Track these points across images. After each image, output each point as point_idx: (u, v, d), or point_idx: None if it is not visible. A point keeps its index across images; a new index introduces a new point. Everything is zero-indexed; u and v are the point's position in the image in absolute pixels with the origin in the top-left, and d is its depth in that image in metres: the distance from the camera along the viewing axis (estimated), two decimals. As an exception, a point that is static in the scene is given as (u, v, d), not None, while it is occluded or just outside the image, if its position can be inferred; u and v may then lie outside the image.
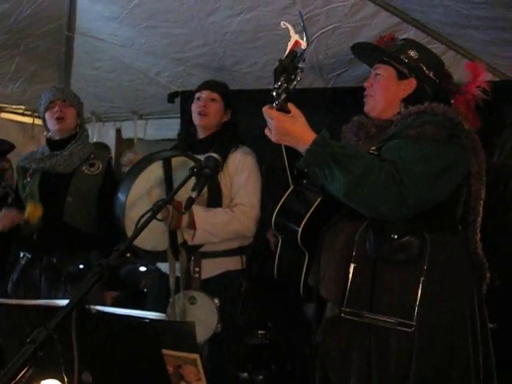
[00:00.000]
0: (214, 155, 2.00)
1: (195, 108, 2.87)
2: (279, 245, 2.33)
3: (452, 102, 2.22)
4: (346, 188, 1.91)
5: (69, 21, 4.04)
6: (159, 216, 1.64)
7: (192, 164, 2.43)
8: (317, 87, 4.23)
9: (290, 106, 1.95)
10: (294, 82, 1.91)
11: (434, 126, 2.03)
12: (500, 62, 3.64)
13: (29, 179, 3.07)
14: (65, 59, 4.50)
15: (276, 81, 1.91)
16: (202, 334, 2.57)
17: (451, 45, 3.59)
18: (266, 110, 1.96)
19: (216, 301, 2.61)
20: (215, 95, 2.88)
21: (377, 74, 2.28)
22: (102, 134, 5.48)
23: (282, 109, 1.94)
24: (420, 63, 2.23)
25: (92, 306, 1.45)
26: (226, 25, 3.70)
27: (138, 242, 2.53)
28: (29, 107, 5.19)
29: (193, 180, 1.94)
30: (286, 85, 1.90)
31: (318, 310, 2.25)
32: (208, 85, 2.94)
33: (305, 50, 1.90)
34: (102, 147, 4.81)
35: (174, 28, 3.84)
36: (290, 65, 1.89)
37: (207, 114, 2.83)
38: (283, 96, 1.92)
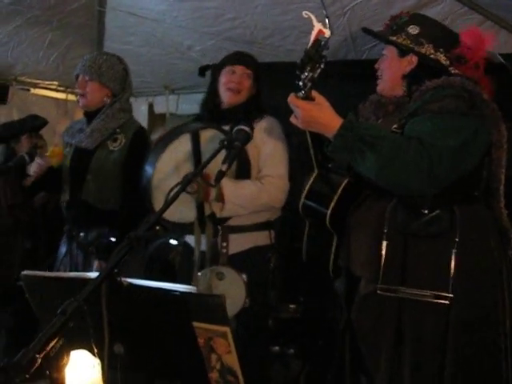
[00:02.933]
0: (245, 127, 1.98)
1: (226, 82, 2.81)
2: (306, 228, 2.34)
3: (463, 69, 2.20)
4: (377, 168, 1.94)
5: (100, -5, 4.05)
6: (188, 189, 1.63)
7: (221, 136, 2.41)
8: (351, 59, 4.18)
9: (314, 93, 1.99)
10: (319, 71, 1.93)
11: (454, 99, 2.04)
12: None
13: (67, 150, 3.10)
14: (97, 34, 4.50)
15: (302, 71, 1.93)
16: (230, 309, 2.53)
17: (488, 15, 3.49)
18: (291, 99, 1.99)
19: (244, 276, 2.59)
20: (249, 72, 2.83)
21: (383, 55, 2.33)
22: (134, 109, 5.40)
23: (307, 97, 1.98)
24: (421, 38, 2.21)
25: (123, 279, 1.47)
26: (257, -3, 3.67)
27: (164, 214, 2.54)
28: (62, 83, 5.22)
29: (221, 153, 1.94)
30: (311, 74, 1.93)
31: (349, 288, 2.27)
32: (243, 59, 2.87)
33: (328, 38, 1.92)
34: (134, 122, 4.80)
35: (205, 1, 3.81)
36: (315, 54, 1.91)
37: (240, 90, 2.79)
38: (309, 85, 1.95)
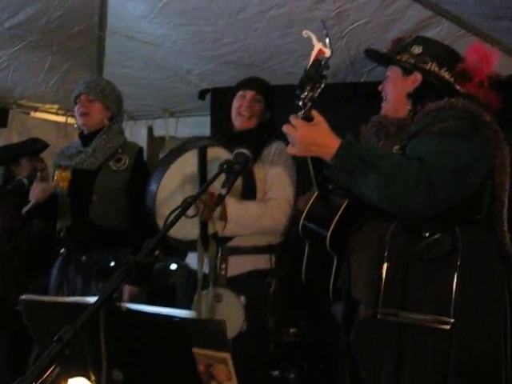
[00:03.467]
0: (245, 151, 1.98)
1: (238, 107, 2.81)
2: (306, 250, 2.32)
3: (468, 86, 2.19)
4: (377, 188, 1.91)
5: (100, 20, 4.08)
6: (189, 212, 1.62)
7: (228, 155, 2.40)
8: (349, 81, 4.20)
9: (314, 113, 1.97)
10: (319, 90, 1.93)
11: (457, 120, 2.02)
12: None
13: (62, 174, 3.06)
14: (96, 58, 4.54)
15: (302, 90, 1.93)
16: (228, 332, 2.54)
17: (486, 37, 3.52)
18: (292, 119, 1.97)
19: (242, 299, 2.57)
20: (259, 97, 2.82)
21: (386, 77, 2.32)
22: (133, 132, 5.51)
23: (307, 117, 1.96)
24: (424, 56, 2.22)
25: (123, 304, 1.45)
26: (256, 21, 3.70)
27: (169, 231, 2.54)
28: (62, 106, 5.24)
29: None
30: (311, 93, 1.92)
31: (348, 311, 2.25)
32: (254, 84, 2.87)
33: (329, 58, 1.91)
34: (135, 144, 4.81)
35: (204, 26, 3.85)
36: (315, 74, 1.90)
37: (251, 115, 2.79)
38: (309, 105, 1.94)
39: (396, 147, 2.10)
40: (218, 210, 2.50)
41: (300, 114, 1.95)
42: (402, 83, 2.25)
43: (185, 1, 3.66)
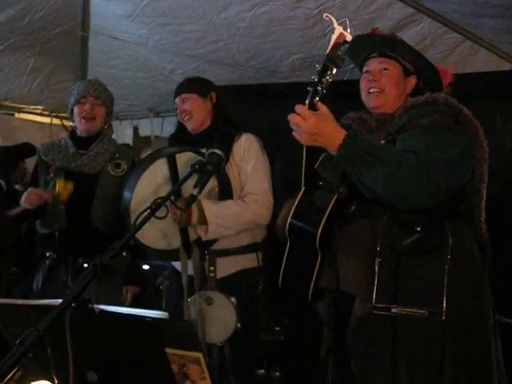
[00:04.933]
0: (217, 151, 1.97)
1: (179, 112, 2.83)
2: (286, 252, 2.27)
3: None
4: (384, 180, 1.93)
5: (83, 20, 4.07)
6: (159, 214, 1.61)
7: (198, 158, 2.40)
8: (332, 80, 4.19)
9: (319, 103, 1.95)
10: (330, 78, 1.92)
11: (440, 115, 2.07)
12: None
13: (52, 175, 2.96)
14: (80, 58, 4.51)
15: (323, 76, 1.90)
16: (222, 333, 2.55)
17: (468, 34, 3.53)
18: (300, 109, 1.93)
19: (233, 299, 2.57)
20: (187, 95, 2.81)
21: (385, 69, 2.28)
22: (119, 132, 5.48)
23: (312, 106, 1.93)
24: (418, 60, 2.28)
25: (95, 306, 1.45)
26: (238, 20, 3.70)
27: (150, 243, 2.54)
28: (46, 107, 5.20)
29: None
30: (327, 79, 1.91)
31: (336, 310, 2.25)
32: (179, 89, 2.87)
33: (350, 41, 1.89)
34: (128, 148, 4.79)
35: (187, 25, 3.84)
36: (338, 57, 1.88)
37: (190, 117, 2.79)
38: (324, 91, 1.92)
39: (382, 142, 2.11)
40: (196, 214, 2.50)
41: (307, 102, 1.93)
42: (403, 83, 2.28)
43: (167, 0, 3.65)
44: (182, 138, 2.86)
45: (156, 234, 2.52)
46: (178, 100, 2.84)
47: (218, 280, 2.66)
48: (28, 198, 2.79)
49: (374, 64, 2.29)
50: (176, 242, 2.59)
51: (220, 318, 2.55)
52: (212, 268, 2.66)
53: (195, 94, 2.80)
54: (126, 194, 2.53)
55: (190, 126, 2.81)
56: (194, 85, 2.85)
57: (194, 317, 2.55)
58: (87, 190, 2.89)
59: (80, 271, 2.82)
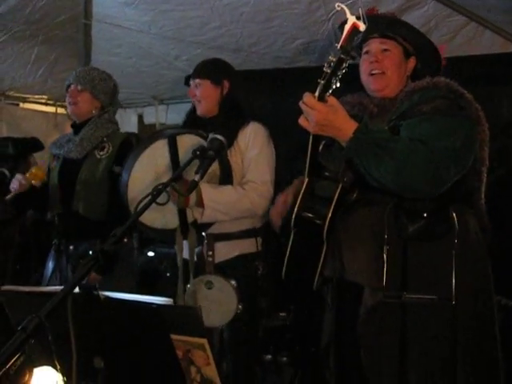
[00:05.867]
0: (219, 137, 1.96)
1: (192, 97, 2.83)
2: (290, 244, 2.24)
3: None
4: (393, 173, 1.93)
5: (85, 8, 4.05)
6: (161, 199, 1.61)
7: (200, 141, 2.38)
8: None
9: (329, 96, 1.92)
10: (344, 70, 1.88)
11: (443, 100, 2.06)
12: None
13: (55, 163, 3.07)
14: (84, 47, 4.50)
15: (338, 69, 1.85)
16: (223, 317, 2.55)
17: (472, 16, 3.50)
18: (308, 100, 1.91)
19: (233, 282, 2.57)
20: (200, 81, 2.79)
21: (386, 50, 2.24)
22: (124, 120, 5.47)
23: (321, 98, 1.90)
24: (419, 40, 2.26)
25: (101, 292, 1.45)
26: (241, 5, 3.68)
27: (147, 221, 2.53)
28: (51, 96, 5.20)
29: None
30: (341, 72, 1.86)
31: (340, 298, 2.25)
32: (194, 72, 2.85)
33: (363, 31, 1.82)
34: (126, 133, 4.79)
35: (190, 11, 3.82)
36: (353, 49, 1.83)
37: (200, 101, 2.77)
38: (337, 85, 1.88)
39: (385, 128, 2.09)
40: (194, 196, 2.49)
41: (317, 94, 1.90)
42: (404, 65, 2.26)
43: (169, -14, 3.64)
44: (194, 121, 2.85)
45: (153, 213, 2.45)
46: (191, 82, 2.84)
47: (216, 264, 2.66)
48: (13, 184, 2.93)
49: (374, 45, 2.25)
50: (173, 223, 2.59)
51: (221, 302, 2.56)
52: (210, 252, 2.66)
53: (208, 81, 2.78)
54: (124, 175, 2.52)
55: (198, 111, 2.81)
56: (209, 70, 2.82)
57: (189, 300, 2.56)
58: (73, 175, 2.95)
59: (71, 258, 2.91)
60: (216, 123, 2.69)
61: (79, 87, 3.02)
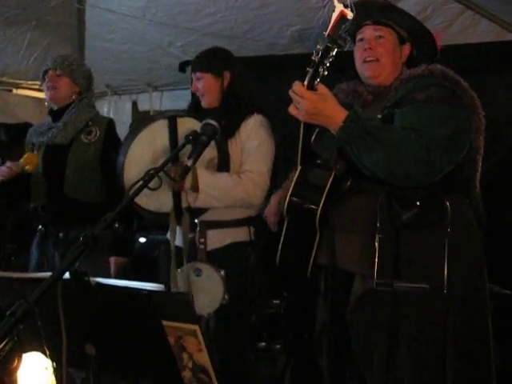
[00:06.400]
0: (212, 122, 1.94)
1: (194, 91, 2.79)
2: (284, 227, 2.24)
3: None
4: (383, 162, 1.93)
5: (78, -7, 4.02)
6: (153, 184, 1.60)
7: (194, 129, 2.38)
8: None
9: (318, 84, 1.91)
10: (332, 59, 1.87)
11: (438, 87, 2.04)
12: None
13: (35, 152, 3.05)
14: (77, 32, 4.47)
15: (324, 57, 1.85)
16: (209, 305, 2.54)
17: (469, 4, 3.48)
18: (298, 88, 1.91)
19: (222, 272, 2.56)
20: (201, 74, 2.75)
21: (380, 37, 2.21)
22: (118, 107, 5.46)
23: (311, 86, 1.90)
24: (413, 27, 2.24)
25: (92, 278, 1.44)
26: (236, -10, 3.65)
27: (141, 202, 2.52)
28: (44, 82, 5.17)
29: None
30: (330, 60, 1.86)
31: (333, 286, 2.22)
32: (194, 65, 2.81)
33: (351, 19, 1.81)
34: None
35: (184, -4, 3.80)
36: (340, 37, 1.81)
37: (203, 94, 2.75)
38: (325, 73, 1.88)
39: (378, 116, 2.08)
40: (190, 180, 2.48)
41: (306, 82, 1.89)
42: (399, 52, 2.23)
43: (163, -28, 3.61)
44: (196, 111, 2.81)
45: (148, 195, 2.42)
46: (192, 75, 2.80)
47: (208, 252, 2.65)
48: (0, 171, 2.93)
49: (368, 32, 2.22)
50: (166, 206, 2.58)
51: (207, 290, 2.55)
52: (202, 240, 2.65)
53: (209, 74, 2.74)
54: (120, 157, 2.50)
55: (203, 104, 2.79)
56: (209, 62, 2.78)
57: (182, 287, 2.55)
58: (60, 160, 2.96)
59: (62, 244, 2.93)
60: (218, 114, 2.64)
61: (58, 72, 3.02)
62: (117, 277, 2.92)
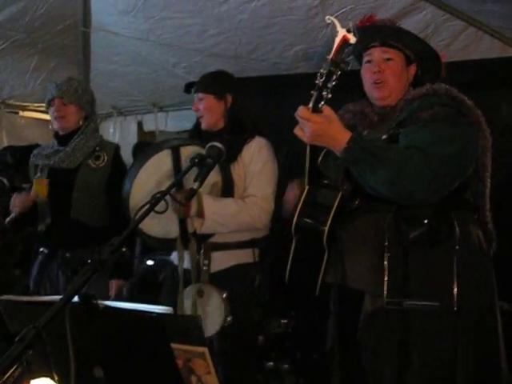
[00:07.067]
0: (218, 144, 1.96)
1: (194, 109, 2.83)
2: (292, 250, 2.24)
3: None
4: (387, 182, 1.93)
5: (84, 16, 4.05)
6: (159, 208, 1.60)
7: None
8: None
9: (323, 106, 1.92)
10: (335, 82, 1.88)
11: (443, 107, 2.06)
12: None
13: (39, 174, 3.07)
14: (83, 55, 4.51)
15: (328, 81, 1.85)
16: (210, 328, 2.53)
17: (471, 21, 3.49)
18: (303, 113, 1.92)
19: (224, 294, 2.55)
20: (203, 95, 2.78)
21: (388, 59, 2.23)
22: (123, 127, 5.49)
23: (316, 109, 1.91)
24: (420, 48, 2.26)
25: (100, 301, 1.44)
26: (239, 12, 3.67)
27: (147, 230, 2.56)
28: (50, 105, 5.21)
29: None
30: (333, 84, 1.86)
31: (342, 305, 2.24)
32: (197, 86, 2.84)
33: (354, 44, 1.82)
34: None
35: (188, 18, 3.82)
36: (342, 61, 1.82)
37: (203, 115, 2.77)
38: (329, 96, 1.88)
39: (384, 136, 2.11)
40: (195, 206, 2.50)
41: (311, 105, 1.90)
42: (406, 73, 2.25)
43: (167, -6, 3.64)
44: (198, 134, 2.84)
45: (154, 222, 2.50)
46: (195, 96, 2.83)
47: (212, 274, 2.65)
48: (14, 204, 2.98)
49: (377, 53, 2.24)
50: (174, 232, 2.60)
51: (208, 312, 2.56)
52: (206, 261, 2.65)
53: (211, 96, 2.77)
54: (127, 184, 2.55)
55: (202, 125, 2.80)
56: (212, 84, 2.80)
57: (187, 308, 2.56)
58: (67, 184, 3.01)
59: (67, 265, 2.96)
60: (221, 137, 2.67)
61: (65, 100, 3.06)
62: (116, 299, 2.94)
